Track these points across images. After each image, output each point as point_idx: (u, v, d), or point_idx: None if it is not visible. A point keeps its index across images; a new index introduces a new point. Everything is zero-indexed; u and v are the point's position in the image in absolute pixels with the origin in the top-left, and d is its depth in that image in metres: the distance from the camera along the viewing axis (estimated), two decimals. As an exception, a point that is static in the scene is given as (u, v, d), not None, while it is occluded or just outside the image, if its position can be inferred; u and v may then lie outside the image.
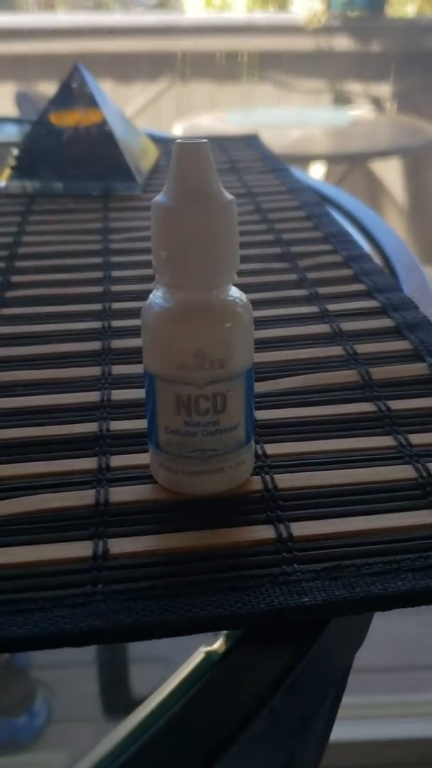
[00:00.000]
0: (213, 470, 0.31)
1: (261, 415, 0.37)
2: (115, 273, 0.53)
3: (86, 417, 0.37)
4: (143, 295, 0.31)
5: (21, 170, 0.70)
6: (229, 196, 0.29)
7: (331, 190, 0.73)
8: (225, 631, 0.26)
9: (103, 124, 0.70)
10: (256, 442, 0.35)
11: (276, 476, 0.33)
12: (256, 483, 0.32)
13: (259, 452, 0.34)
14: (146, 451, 0.33)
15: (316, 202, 0.66)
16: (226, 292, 0.30)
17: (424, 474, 0.33)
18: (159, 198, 0.29)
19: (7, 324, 0.46)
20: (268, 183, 0.73)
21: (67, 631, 0.25)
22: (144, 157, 0.75)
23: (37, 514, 0.31)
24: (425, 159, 2.46)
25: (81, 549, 0.29)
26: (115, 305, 0.49)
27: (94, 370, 0.41)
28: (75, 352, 0.43)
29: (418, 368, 0.41)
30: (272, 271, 0.53)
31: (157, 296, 0.30)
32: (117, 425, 0.36)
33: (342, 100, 2.51)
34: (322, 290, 0.50)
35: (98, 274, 0.53)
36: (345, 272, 0.52)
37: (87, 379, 0.40)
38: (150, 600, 0.27)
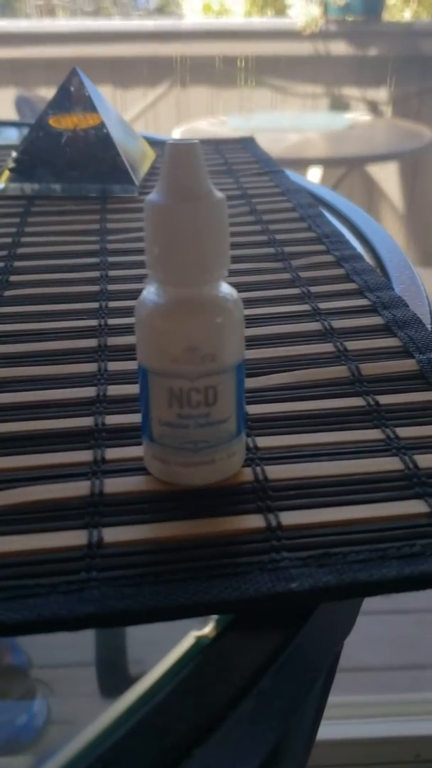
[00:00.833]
0: (205, 462, 0.32)
1: (252, 409, 0.37)
2: (112, 273, 0.54)
3: (82, 412, 0.38)
4: (139, 294, 0.32)
5: (20, 172, 0.71)
6: (219, 195, 0.30)
7: (325, 192, 0.74)
8: (215, 616, 0.27)
9: (101, 126, 0.71)
10: (248, 436, 0.35)
11: (266, 468, 0.33)
12: (247, 474, 0.33)
13: (251, 445, 0.35)
14: (140, 444, 0.34)
15: (310, 203, 0.67)
16: (217, 288, 0.31)
17: (411, 466, 0.33)
18: (152, 197, 0.30)
19: (6, 322, 0.47)
20: (263, 185, 0.74)
21: (62, 616, 0.26)
22: (141, 159, 0.76)
23: (33, 505, 0.32)
24: (422, 163, 2.48)
25: (76, 538, 0.30)
26: (112, 304, 0.49)
27: (90, 367, 0.42)
28: (72, 349, 0.44)
29: (406, 364, 0.41)
30: (266, 270, 0.54)
31: (150, 292, 0.31)
32: (112, 419, 0.37)
33: (339, 104, 2.52)
34: (314, 289, 0.51)
35: (95, 274, 0.54)
36: (337, 271, 0.53)
37: (83, 375, 0.41)
38: (142, 586, 0.27)
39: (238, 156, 0.85)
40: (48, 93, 1.99)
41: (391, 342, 0.44)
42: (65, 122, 0.70)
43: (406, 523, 0.30)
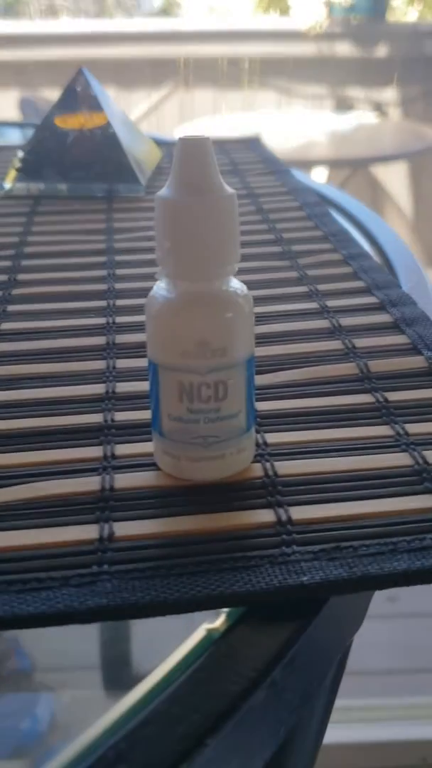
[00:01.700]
0: (215, 457, 0.32)
1: (262, 406, 0.38)
2: (120, 271, 0.54)
3: (92, 408, 0.38)
4: (147, 292, 0.32)
5: (26, 172, 0.71)
6: (230, 189, 0.30)
7: (331, 191, 0.74)
8: (226, 610, 0.27)
9: (107, 126, 0.71)
10: (257, 432, 0.36)
11: (276, 463, 0.34)
12: (257, 470, 0.33)
13: (260, 441, 0.35)
14: (150, 440, 0.34)
15: (316, 202, 0.68)
16: (227, 283, 0.31)
17: (421, 461, 0.33)
18: (163, 192, 0.30)
19: (15, 320, 0.47)
20: (270, 184, 0.74)
21: (74, 608, 0.26)
22: (147, 159, 0.76)
23: (45, 500, 0.32)
24: (428, 164, 2.48)
25: (87, 532, 0.30)
26: (120, 302, 0.50)
27: (99, 364, 0.42)
28: (80, 347, 0.44)
29: (415, 361, 0.41)
30: (273, 268, 0.54)
31: (160, 287, 0.31)
32: (121, 416, 0.37)
33: (344, 105, 2.52)
34: (321, 287, 0.51)
35: (102, 273, 0.54)
36: (344, 270, 0.53)
37: (92, 372, 0.41)
38: (154, 579, 0.27)
39: (244, 155, 0.85)
40: (51, 94, 2.00)
41: (399, 339, 0.44)
42: (71, 122, 0.71)
43: (417, 517, 0.30)
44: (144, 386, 0.33)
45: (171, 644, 0.27)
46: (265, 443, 0.35)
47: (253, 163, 0.82)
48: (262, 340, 0.44)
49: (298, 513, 0.31)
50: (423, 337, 0.44)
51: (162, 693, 0.24)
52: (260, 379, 0.39)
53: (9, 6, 2.77)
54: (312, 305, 0.48)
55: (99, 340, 0.45)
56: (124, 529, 0.30)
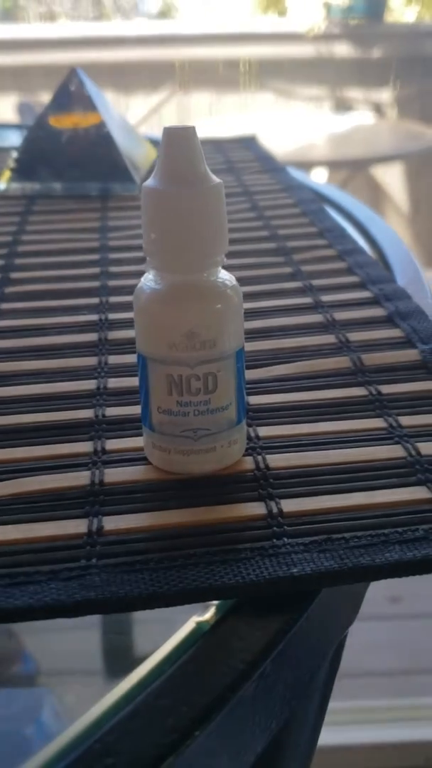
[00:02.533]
0: (205, 450, 0.32)
1: (254, 400, 0.37)
2: (113, 269, 0.54)
3: (83, 404, 0.38)
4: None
5: (20, 172, 0.71)
6: (216, 179, 0.30)
7: (327, 189, 0.73)
8: (216, 602, 0.27)
9: (102, 125, 0.71)
10: (250, 426, 0.35)
11: (268, 456, 0.33)
12: (248, 463, 0.33)
13: (252, 435, 0.35)
14: (141, 435, 0.34)
15: (311, 199, 0.67)
16: (215, 274, 0.31)
17: (413, 453, 0.33)
18: (149, 182, 0.30)
19: (8, 318, 0.47)
20: (265, 182, 0.74)
21: (62, 602, 0.26)
22: (142, 158, 0.76)
23: (34, 494, 0.32)
24: (426, 164, 2.47)
25: (76, 526, 0.30)
26: (112, 299, 0.49)
27: (91, 360, 0.42)
28: (72, 343, 0.44)
29: (409, 354, 0.41)
30: (267, 264, 0.54)
31: (148, 279, 0.31)
32: (112, 411, 0.37)
33: (342, 106, 2.52)
34: (316, 282, 0.51)
35: (96, 270, 0.54)
36: (339, 265, 0.53)
37: (84, 368, 0.41)
38: (143, 572, 0.27)
39: (240, 154, 0.85)
40: (49, 98, 1.99)
41: (393, 333, 0.44)
42: (65, 121, 0.71)
43: (409, 509, 0.30)
44: (136, 382, 0.33)
45: (160, 636, 0.27)
46: (258, 437, 0.35)
47: (249, 161, 0.82)
48: (256, 334, 0.43)
49: (290, 505, 0.30)
50: (417, 331, 0.43)
51: (150, 685, 0.24)
52: (253, 374, 0.39)
53: (7, 10, 2.77)
54: (306, 300, 0.48)
55: (91, 337, 0.45)
56: (114, 522, 0.30)
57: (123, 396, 0.38)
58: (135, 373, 0.33)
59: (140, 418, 0.33)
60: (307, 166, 2.06)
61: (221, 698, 0.24)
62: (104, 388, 0.39)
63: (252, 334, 0.43)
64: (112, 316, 0.47)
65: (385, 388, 0.38)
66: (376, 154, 2.22)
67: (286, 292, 0.50)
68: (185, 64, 2.45)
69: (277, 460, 0.33)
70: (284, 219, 0.63)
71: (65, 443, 0.35)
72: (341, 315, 0.46)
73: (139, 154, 0.76)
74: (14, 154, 0.73)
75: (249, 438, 0.34)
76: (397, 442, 0.34)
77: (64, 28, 2.64)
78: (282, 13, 2.62)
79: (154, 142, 0.85)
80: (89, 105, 0.71)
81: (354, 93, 2.51)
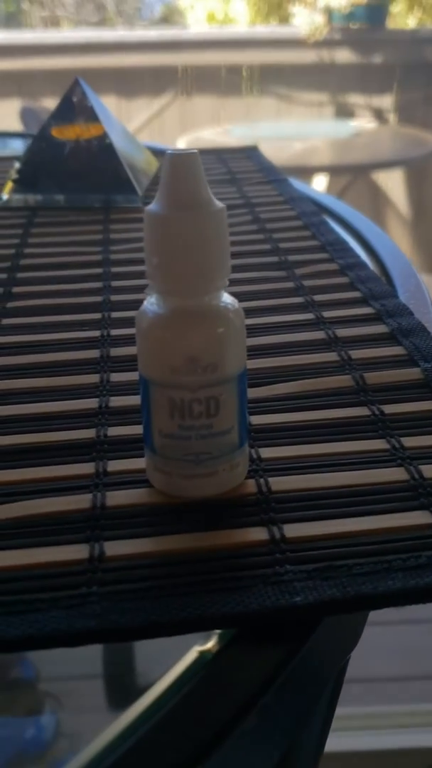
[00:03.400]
0: (207, 473, 0.31)
1: (256, 420, 0.37)
2: (115, 283, 0.54)
3: (84, 423, 0.38)
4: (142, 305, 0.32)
5: (23, 183, 0.71)
6: (219, 204, 0.29)
7: (329, 200, 0.73)
8: (218, 631, 0.27)
9: (104, 137, 0.71)
10: (251, 447, 0.35)
11: (270, 479, 0.33)
12: (250, 486, 0.33)
13: (254, 456, 0.35)
14: (143, 456, 0.33)
15: (313, 211, 0.67)
16: (218, 298, 0.30)
17: (416, 476, 0.33)
18: (151, 207, 0.30)
19: (9, 333, 0.47)
20: (267, 194, 0.74)
21: (62, 631, 0.26)
22: (145, 169, 0.76)
23: (34, 518, 0.31)
24: (428, 170, 2.47)
25: (77, 552, 0.29)
26: (115, 314, 0.49)
27: (92, 378, 0.42)
28: (74, 360, 0.44)
29: (411, 373, 0.41)
30: (269, 279, 0.54)
31: (150, 302, 0.31)
32: (114, 431, 0.37)
33: (344, 112, 2.52)
34: (318, 298, 0.50)
35: (98, 284, 0.54)
36: (341, 280, 0.53)
37: (86, 386, 0.41)
38: (144, 600, 0.27)
39: (242, 165, 0.84)
40: (53, 104, 1.99)
41: (395, 350, 0.43)
42: (68, 133, 0.70)
43: (412, 534, 0.30)
44: (138, 400, 0.33)
45: (162, 665, 0.26)
46: (259, 458, 0.35)
47: (251, 172, 0.82)
48: (258, 352, 0.43)
49: (292, 531, 0.30)
50: (420, 349, 0.43)
51: (151, 719, 0.24)
52: (254, 392, 0.39)
53: (11, 16, 2.78)
54: (308, 316, 0.48)
55: (93, 354, 0.44)
56: (115, 548, 0.30)
57: (125, 415, 0.38)
58: (137, 391, 0.33)
59: (142, 438, 0.33)
60: (308, 171, 2.06)
61: (223, 732, 0.23)
62: (106, 406, 0.39)
63: (254, 351, 0.42)
64: (114, 331, 0.47)
65: (388, 408, 0.38)
66: (377, 159, 2.22)
67: (288, 307, 0.49)
68: (188, 69, 2.46)
69: (279, 483, 0.33)
70: (286, 232, 0.63)
71: (66, 464, 0.35)
72: (343, 332, 0.46)
73: (142, 166, 0.76)
74: (17, 165, 0.73)
75: (251, 459, 0.34)
76: (399, 465, 0.34)
77: (67, 33, 2.65)
78: (284, 19, 2.62)
79: (155, 152, 0.85)
80: (92, 116, 0.71)
81: (356, 99, 2.51)
